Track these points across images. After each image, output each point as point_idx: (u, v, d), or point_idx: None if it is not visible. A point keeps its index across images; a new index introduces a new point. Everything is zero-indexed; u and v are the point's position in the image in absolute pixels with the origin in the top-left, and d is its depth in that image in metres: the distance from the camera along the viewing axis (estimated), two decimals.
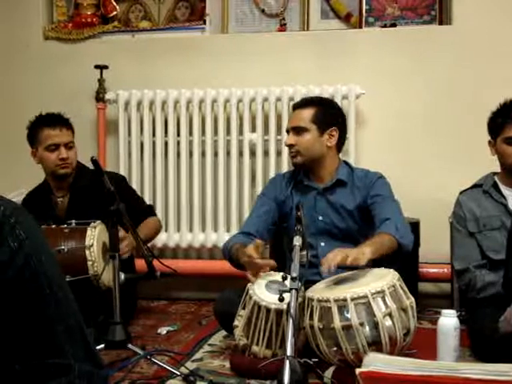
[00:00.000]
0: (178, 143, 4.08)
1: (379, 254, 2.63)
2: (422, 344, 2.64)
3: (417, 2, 4.11)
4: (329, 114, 3.07)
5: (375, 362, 0.89)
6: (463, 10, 3.90)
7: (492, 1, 3.85)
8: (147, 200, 4.05)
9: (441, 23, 4.06)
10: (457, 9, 3.91)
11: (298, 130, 3.03)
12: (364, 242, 2.69)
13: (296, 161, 3.06)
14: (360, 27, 4.13)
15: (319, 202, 3.07)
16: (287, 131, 3.10)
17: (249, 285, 2.63)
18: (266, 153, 4.00)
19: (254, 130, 4.00)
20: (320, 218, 3.06)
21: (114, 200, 2.58)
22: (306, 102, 3.11)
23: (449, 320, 2.52)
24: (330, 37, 4.06)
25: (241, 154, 4.03)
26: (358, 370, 0.87)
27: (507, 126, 3.00)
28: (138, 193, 3.97)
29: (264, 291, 2.58)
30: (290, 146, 3.04)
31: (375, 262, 2.66)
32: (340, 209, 3.05)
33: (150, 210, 3.59)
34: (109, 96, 4.13)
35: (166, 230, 4.09)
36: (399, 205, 3.00)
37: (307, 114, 3.03)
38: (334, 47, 4.02)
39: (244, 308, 2.63)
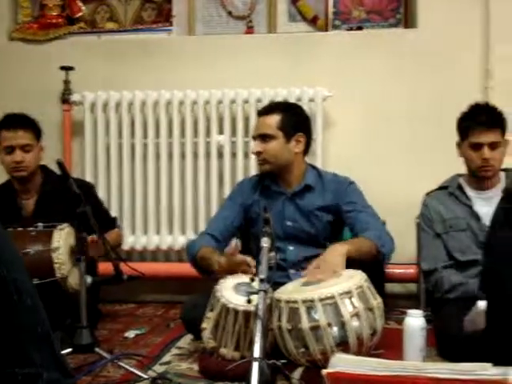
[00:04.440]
0: (145, 145, 4.06)
1: (357, 255, 2.65)
2: (389, 344, 2.66)
3: (383, 6, 4.14)
4: (295, 120, 3.06)
5: (342, 363, 0.89)
6: (428, 13, 3.94)
7: (456, 4, 3.89)
8: (114, 202, 4.04)
9: (406, 26, 4.10)
10: (422, 12, 3.95)
11: (264, 138, 3.01)
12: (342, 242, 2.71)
13: (264, 168, 3.05)
14: (326, 30, 4.16)
15: (287, 207, 3.08)
16: (254, 138, 3.09)
17: (217, 287, 2.63)
18: (233, 155, 4.00)
19: (221, 132, 4.00)
20: (288, 223, 3.06)
21: (80, 203, 2.56)
22: (271, 109, 3.09)
23: (415, 320, 2.55)
24: (297, 39, 4.08)
25: (208, 155, 4.02)
26: (324, 371, 0.88)
27: (473, 131, 3.02)
28: (104, 195, 3.96)
29: (232, 293, 2.58)
30: (258, 154, 3.03)
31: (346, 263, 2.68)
32: (308, 214, 3.05)
33: (114, 222, 3.58)
34: (74, 98, 4.09)
35: (133, 233, 4.06)
36: (373, 209, 3.03)
37: (273, 120, 3.01)
38: (301, 50, 4.04)
39: (212, 310, 2.62)
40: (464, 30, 3.88)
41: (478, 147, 3.02)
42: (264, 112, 3.09)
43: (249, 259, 2.71)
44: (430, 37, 3.91)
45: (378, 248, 2.78)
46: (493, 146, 3.01)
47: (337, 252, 2.64)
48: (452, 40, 3.89)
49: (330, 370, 0.89)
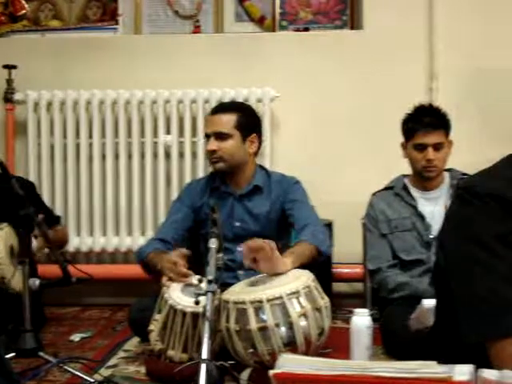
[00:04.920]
0: (91, 145, 4.00)
1: (300, 264, 2.66)
2: (337, 343, 2.69)
3: (329, 7, 4.18)
4: (250, 121, 3.06)
5: (288, 363, 0.89)
6: (374, 15, 3.98)
7: (402, 6, 3.95)
8: (58, 203, 3.98)
9: (352, 28, 4.14)
10: (367, 14, 4.00)
11: (220, 136, 2.98)
12: (285, 252, 2.70)
13: (218, 166, 3.02)
14: (274, 30, 4.17)
15: (236, 208, 3.07)
16: (207, 136, 3.06)
17: (164, 288, 2.61)
18: (181, 155, 3.98)
19: (168, 132, 3.97)
20: (237, 223, 3.05)
21: (23, 204, 2.51)
22: (227, 107, 3.08)
23: (361, 319, 2.57)
24: (245, 39, 4.08)
25: (155, 156, 3.99)
26: (271, 372, 0.87)
27: (417, 132, 3.07)
28: (49, 196, 3.90)
29: (180, 295, 2.57)
30: (213, 152, 3.01)
31: None
32: (257, 215, 3.05)
33: (58, 221, 3.52)
34: (18, 96, 4.01)
35: (78, 234, 4.01)
36: (315, 209, 3.04)
37: (229, 119, 2.99)
38: (249, 50, 4.04)
39: (159, 312, 2.60)
40: (409, 32, 3.94)
41: (422, 148, 3.07)
42: (220, 110, 3.06)
43: (190, 276, 2.67)
44: (375, 38, 3.96)
45: (318, 248, 2.79)
46: (437, 146, 3.06)
47: (285, 267, 2.60)
48: (397, 41, 3.94)
49: (276, 370, 0.88)
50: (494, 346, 1.20)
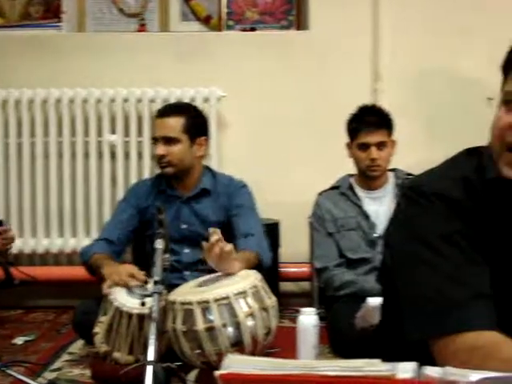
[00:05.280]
0: (33, 145, 3.93)
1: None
2: (284, 342, 2.70)
3: (275, 7, 4.19)
4: (198, 123, 3.04)
5: (234, 364, 0.88)
6: (320, 15, 4.01)
7: (347, 7, 3.98)
8: None
9: (298, 28, 4.17)
10: (313, 14, 4.02)
11: (168, 140, 2.95)
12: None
13: (167, 171, 2.99)
14: (220, 30, 4.16)
15: (183, 211, 3.05)
16: (155, 139, 3.03)
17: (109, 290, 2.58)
18: (126, 155, 3.94)
19: (113, 131, 3.93)
20: (184, 226, 3.03)
21: None
22: (173, 110, 3.04)
23: (308, 318, 2.59)
24: (191, 39, 4.06)
25: (100, 155, 3.94)
26: (217, 373, 0.87)
27: (360, 131, 3.13)
28: None
29: (125, 296, 2.55)
30: (161, 157, 2.97)
31: None
32: (204, 218, 3.03)
33: (1, 223, 3.44)
34: None
35: (21, 236, 3.92)
36: (259, 217, 3.05)
37: (177, 123, 2.96)
38: (195, 49, 4.02)
39: (104, 314, 2.57)
40: (354, 33, 3.98)
41: (365, 147, 3.12)
42: (166, 113, 3.03)
43: (136, 272, 2.65)
44: (321, 39, 3.99)
45: (259, 258, 2.80)
46: (380, 145, 3.12)
47: (237, 269, 2.60)
48: (343, 42, 3.98)
49: (222, 371, 0.88)
50: (437, 343, 1.22)
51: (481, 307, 1.22)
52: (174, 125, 2.96)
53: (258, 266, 2.76)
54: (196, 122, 3.03)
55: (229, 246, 2.49)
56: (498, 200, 1.29)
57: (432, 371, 0.92)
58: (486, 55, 3.65)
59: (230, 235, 3.01)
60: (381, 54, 3.96)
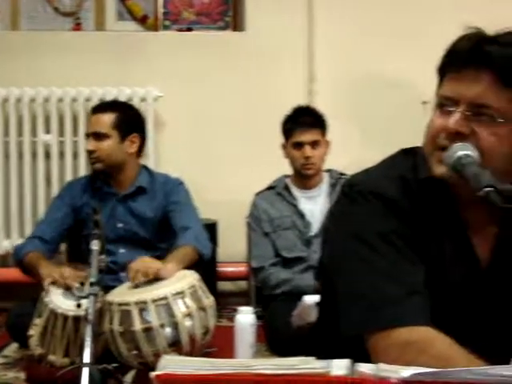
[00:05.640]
0: None
1: (182, 268, 2.66)
2: (222, 342, 2.71)
3: (212, 8, 4.20)
4: (130, 120, 3.03)
5: (170, 364, 0.89)
6: (256, 17, 4.03)
7: (283, 9, 4.01)
8: None
9: (235, 29, 4.18)
10: (250, 16, 4.04)
11: (98, 136, 2.94)
12: (167, 257, 2.70)
13: (96, 167, 2.98)
14: (156, 30, 4.15)
15: (119, 209, 3.02)
16: (87, 136, 3.02)
17: (43, 292, 2.55)
18: (61, 155, 3.88)
19: (48, 131, 3.87)
20: (120, 225, 3.01)
21: None
22: (106, 107, 3.04)
23: (245, 317, 2.61)
24: (127, 38, 4.03)
25: (34, 155, 3.87)
26: (152, 374, 0.87)
27: (295, 131, 3.20)
28: None
29: (61, 298, 2.52)
30: (91, 152, 2.96)
31: None
32: (140, 217, 3.02)
33: None
34: None
35: None
36: (197, 212, 3.05)
37: (108, 119, 2.95)
38: (131, 49, 3.99)
39: (39, 316, 2.53)
40: (290, 35, 4.02)
41: (299, 146, 3.19)
42: (98, 109, 3.02)
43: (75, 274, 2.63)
44: (257, 40, 4.01)
45: (200, 252, 2.80)
46: (313, 144, 3.19)
47: (168, 274, 2.61)
48: (278, 44, 4.01)
49: (158, 372, 0.88)
50: (371, 338, 1.24)
51: (415, 303, 1.25)
52: (105, 121, 2.96)
53: (198, 259, 2.77)
54: (128, 119, 3.02)
55: (151, 271, 2.52)
56: (431, 199, 1.33)
57: (365, 368, 0.93)
58: (421, 58, 3.72)
59: (167, 233, 3.02)
60: (316, 56, 4.00)
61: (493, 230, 1.36)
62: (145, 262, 2.61)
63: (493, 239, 1.36)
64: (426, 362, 1.12)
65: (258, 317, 2.73)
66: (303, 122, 3.20)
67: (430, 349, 1.18)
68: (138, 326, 2.35)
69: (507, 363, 1.41)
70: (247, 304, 3.22)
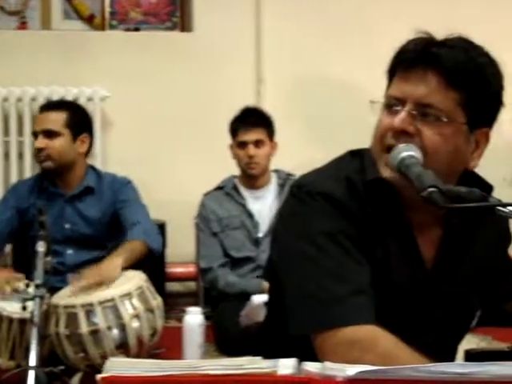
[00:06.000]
0: None
1: (131, 262, 2.64)
2: (170, 343, 2.70)
3: (159, 8, 4.18)
4: (80, 120, 3.00)
5: (116, 366, 0.88)
6: (204, 18, 4.03)
7: (231, 11, 4.02)
8: None
9: (183, 30, 4.17)
10: (197, 16, 4.04)
11: (49, 134, 2.90)
12: (115, 251, 2.68)
13: (46, 165, 2.93)
14: (103, 29, 4.11)
15: (66, 209, 2.98)
16: (35, 134, 2.96)
17: None
18: (6, 155, 3.82)
19: None
20: (67, 226, 2.97)
21: None
22: (56, 105, 3.02)
23: (193, 318, 2.60)
24: (73, 37, 3.99)
25: None
26: (98, 376, 0.86)
27: (240, 130, 3.22)
28: None
29: (5, 300, 2.47)
30: (40, 150, 2.91)
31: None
32: (88, 217, 2.98)
33: None
34: None
35: None
36: (146, 208, 3.03)
37: (59, 117, 2.92)
38: (78, 48, 3.94)
39: None
40: (238, 36, 4.03)
41: (244, 145, 3.22)
42: (49, 107, 2.99)
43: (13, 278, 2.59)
44: (205, 41, 4.01)
45: (149, 246, 2.79)
46: (257, 143, 3.22)
47: (112, 265, 2.60)
48: (226, 45, 4.01)
49: (104, 374, 0.88)
50: (318, 337, 1.25)
51: (360, 303, 1.26)
52: (57, 119, 2.92)
53: (148, 253, 2.76)
54: (79, 119, 2.99)
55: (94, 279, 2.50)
56: (378, 200, 1.35)
57: (312, 366, 0.94)
58: (368, 59, 3.78)
59: (116, 232, 2.99)
60: (264, 57, 4.02)
61: (437, 231, 1.39)
62: (100, 271, 2.57)
63: (437, 239, 1.39)
64: (372, 360, 1.13)
65: (207, 317, 2.73)
66: (247, 122, 3.23)
67: (376, 347, 1.20)
68: (84, 328, 2.33)
69: (452, 361, 1.45)
70: (196, 304, 3.22)
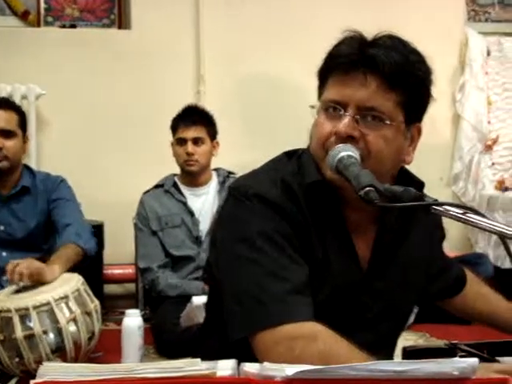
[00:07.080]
0: None
1: (68, 268, 2.60)
2: (109, 346, 2.67)
3: (96, 5, 4.12)
4: (24, 120, 2.98)
5: (51, 371, 0.86)
6: (141, 15, 3.99)
7: (169, 9, 3.99)
8: None
9: (120, 27, 4.12)
10: (135, 14, 3.99)
11: (6, 134, 2.84)
12: (51, 259, 2.62)
13: (2, 165, 2.86)
14: (38, 26, 4.03)
15: (2, 211, 2.92)
16: None
17: None
18: None
19: None
20: (1, 227, 2.91)
21: None
22: (7, 104, 2.94)
23: (132, 320, 2.57)
24: (7, 34, 3.89)
25: None
26: (32, 382, 0.84)
27: (180, 127, 3.24)
28: None
29: None
30: None
31: None
32: (24, 219, 2.93)
33: None
34: None
35: None
36: (80, 208, 2.99)
37: (13, 117, 2.88)
38: (11, 45, 3.85)
39: None
40: (176, 35, 4.00)
41: (183, 142, 3.23)
42: (1, 106, 2.90)
43: None
44: (143, 39, 3.97)
45: (83, 248, 2.75)
46: (196, 141, 3.22)
47: (54, 276, 2.54)
48: (165, 44, 3.98)
49: (38, 380, 0.86)
50: (258, 337, 1.24)
51: (299, 300, 1.27)
52: (11, 118, 2.88)
53: (83, 254, 2.72)
54: (24, 118, 2.97)
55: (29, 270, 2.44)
56: (316, 201, 1.35)
57: (251, 367, 0.94)
58: (306, 60, 3.77)
59: (50, 234, 2.94)
60: (203, 57, 4.01)
61: (373, 230, 1.40)
62: (29, 263, 2.51)
63: (372, 239, 1.40)
64: (312, 356, 1.14)
65: (146, 319, 2.71)
66: (188, 119, 3.25)
67: (316, 343, 1.20)
68: (19, 333, 2.28)
69: (390, 357, 1.47)
70: (135, 306, 3.19)
